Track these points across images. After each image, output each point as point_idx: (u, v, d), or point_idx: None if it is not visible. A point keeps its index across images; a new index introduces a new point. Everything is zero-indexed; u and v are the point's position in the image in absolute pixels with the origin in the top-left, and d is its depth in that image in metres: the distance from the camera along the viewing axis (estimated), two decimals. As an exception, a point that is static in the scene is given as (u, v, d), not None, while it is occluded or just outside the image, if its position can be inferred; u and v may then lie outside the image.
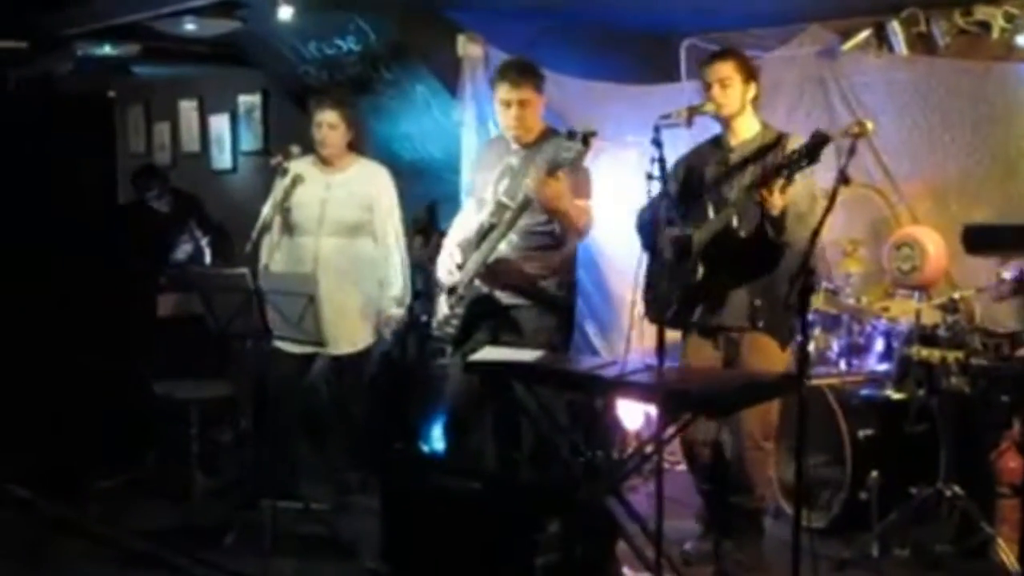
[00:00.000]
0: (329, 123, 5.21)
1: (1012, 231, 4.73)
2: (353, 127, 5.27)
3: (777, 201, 4.19)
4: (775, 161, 4.28)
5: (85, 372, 6.11)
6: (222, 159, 8.97)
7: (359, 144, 5.36)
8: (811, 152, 4.02)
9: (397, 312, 5.29)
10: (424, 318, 5.81)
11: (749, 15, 6.18)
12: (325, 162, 5.27)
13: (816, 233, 3.73)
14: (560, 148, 4.50)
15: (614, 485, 4.36)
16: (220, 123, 8.95)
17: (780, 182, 4.14)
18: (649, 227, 4.56)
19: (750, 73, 4.54)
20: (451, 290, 4.92)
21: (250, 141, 8.64)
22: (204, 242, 6.97)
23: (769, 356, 4.52)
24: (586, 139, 4.46)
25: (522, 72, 4.88)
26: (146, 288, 6.41)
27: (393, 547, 4.42)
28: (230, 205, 7.97)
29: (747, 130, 4.58)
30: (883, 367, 5.25)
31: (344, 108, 5.27)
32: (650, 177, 3.82)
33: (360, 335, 5.25)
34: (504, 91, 4.87)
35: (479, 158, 5.26)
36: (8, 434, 5.80)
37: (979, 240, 3.88)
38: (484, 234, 4.83)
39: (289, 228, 5.23)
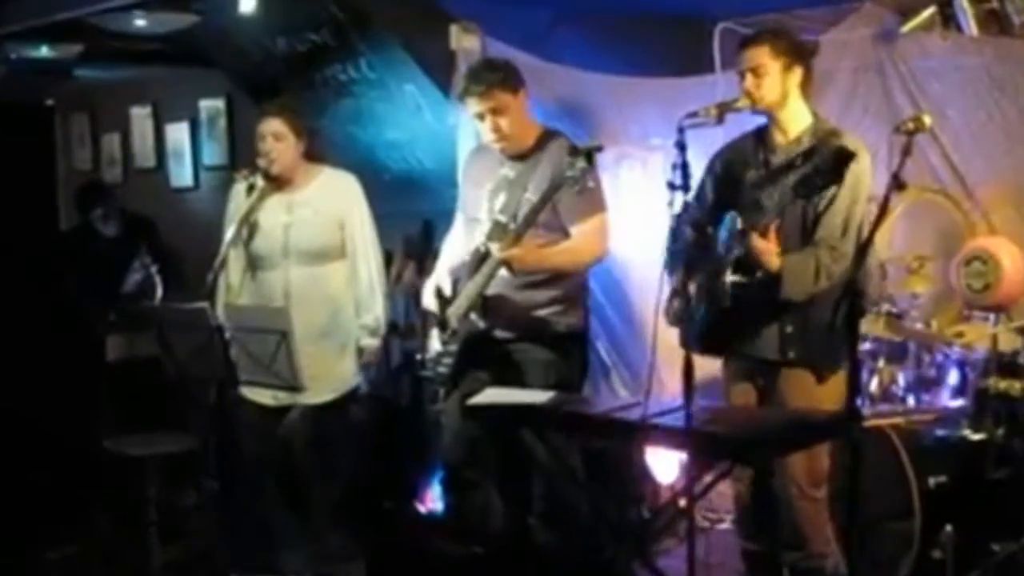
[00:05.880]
0: (274, 133, 5.20)
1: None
2: (304, 136, 5.27)
3: (771, 257, 4.28)
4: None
5: (25, 426, 6.17)
6: (181, 175, 9.05)
7: (318, 154, 5.37)
8: (833, 171, 3.98)
9: (371, 343, 5.27)
10: (419, 356, 5.86)
11: (793, -7, 6.26)
12: (279, 181, 5.26)
13: (865, 247, 3.76)
14: (562, 166, 4.57)
15: (642, 548, 4.40)
16: (178, 133, 9.03)
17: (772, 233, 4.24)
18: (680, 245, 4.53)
19: (793, 56, 4.51)
20: (442, 323, 4.95)
21: (213, 154, 8.71)
22: (154, 270, 7.03)
23: (805, 392, 4.54)
24: (590, 156, 4.54)
25: (482, 80, 4.88)
26: (93, 327, 6.48)
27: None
28: (192, 228, 8.01)
29: (797, 124, 4.56)
30: (958, 403, 5.28)
31: (290, 115, 5.27)
32: (672, 187, 3.86)
33: (343, 377, 5.26)
34: (472, 105, 4.89)
35: (466, 171, 5.27)
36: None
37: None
38: (480, 260, 4.84)
39: (251, 262, 5.24)
